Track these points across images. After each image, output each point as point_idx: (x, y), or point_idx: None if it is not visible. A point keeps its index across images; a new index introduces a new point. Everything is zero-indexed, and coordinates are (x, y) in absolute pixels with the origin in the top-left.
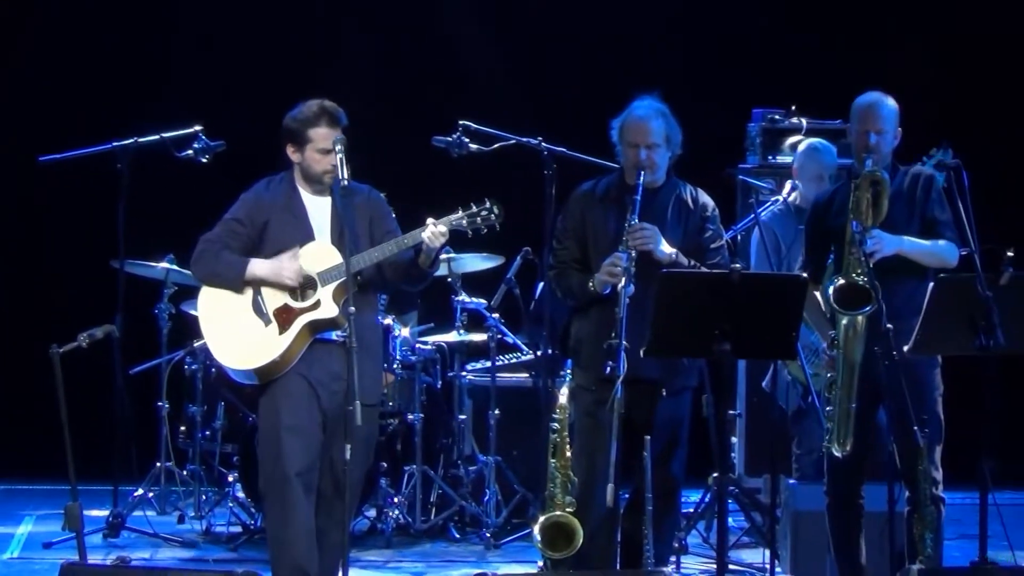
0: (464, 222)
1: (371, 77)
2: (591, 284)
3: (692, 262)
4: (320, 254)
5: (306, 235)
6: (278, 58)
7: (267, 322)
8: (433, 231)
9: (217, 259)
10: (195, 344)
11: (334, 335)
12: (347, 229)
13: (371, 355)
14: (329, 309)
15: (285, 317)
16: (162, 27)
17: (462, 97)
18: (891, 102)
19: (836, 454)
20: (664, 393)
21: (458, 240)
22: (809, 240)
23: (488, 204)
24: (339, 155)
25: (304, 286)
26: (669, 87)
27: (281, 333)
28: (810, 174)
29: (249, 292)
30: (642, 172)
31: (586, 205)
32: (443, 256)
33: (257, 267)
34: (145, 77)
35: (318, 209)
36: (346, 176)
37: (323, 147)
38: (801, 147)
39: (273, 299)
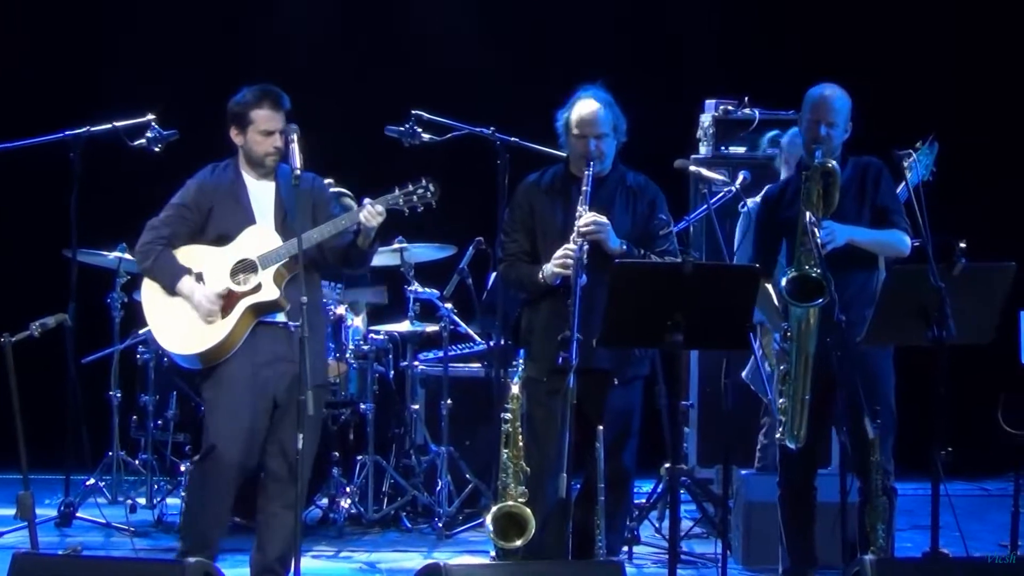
0: (400, 201)
1: (326, 66)
2: (541, 275)
3: (642, 252)
4: (260, 238)
5: (247, 220)
6: (233, 48)
7: None
8: (370, 211)
9: (157, 259)
10: (140, 332)
11: (278, 317)
12: (290, 215)
13: (316, 336)
14: (270, 291)
15: (227, 301)
16: (116, 15)
17: (417, 86)
18: (844, 94)
19: (790, 446)
20: (616, 382)
21: (411, 229)
22: (760, 232)
23: (424, 182)
24: (293, 144)
25: (245, 269)
26: (621, 77)
27: (223, 317)
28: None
29: (192, 276)
30: (591, 163)
31: (533, 197)
32: (396, 245)
33: (184, 285)
34: (97, 66)
35: (261, 194)
36: (299, 165)
37: (265, 129)
38: (787, 137)
39: (215, 283)
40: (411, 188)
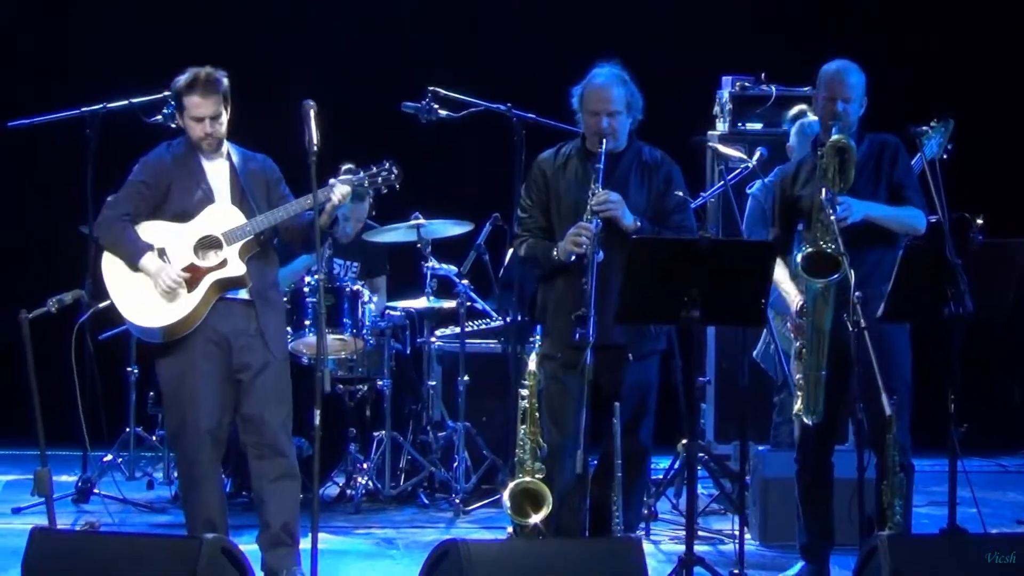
0: (366, 182)
1: (338, 41)
2: (555, 253)
3: (656, 228)
4: (223, 215)
5: (207, 198)
6: (248, 22)
7: None
8: (341, 191)
9: (121, 235)
10: (100, 305)
11: (240, 294)
12: (245, 197)
13: (277, 312)
14: (236, 268)
15: (193, 276)
16: None
17: (433, 62)
18: (858, 70)
19: (807, 422)
20: (631, 358)
21: (428, 206)
22: (775, 210)
23: (387, 164)
24: (309, 120)
25: (208, 245)
26: (640, 54)
27: (189, 292)
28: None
29: (154, 252)
30: (604, 140)
31: (548, 173)
32: (413, 221)
33: (147, 262)
34: (113, 42)
35: (216, 173)
36: (316, 142)
37: (195, 115)
38: (795, 128)
39: (179, 259)
40: (375, 170)
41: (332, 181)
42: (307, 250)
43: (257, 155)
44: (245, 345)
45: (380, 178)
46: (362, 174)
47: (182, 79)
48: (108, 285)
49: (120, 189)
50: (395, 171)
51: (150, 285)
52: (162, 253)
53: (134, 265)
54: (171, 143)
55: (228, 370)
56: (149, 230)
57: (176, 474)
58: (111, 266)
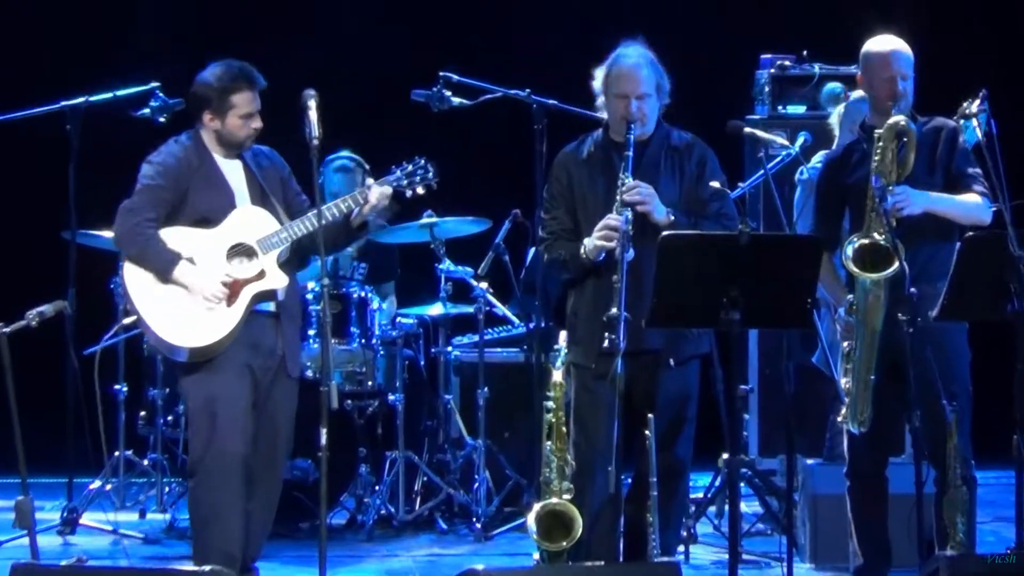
0: (404, 181)
1: (342, 26)
2: (583, 252)
3: (692, 219)
4: (252, 220)
5: (229, 202)
6: (241, 8)
7: None
8: (380, 191)
9: (148, 244)
10: (124, 321)
11: (272, 306)
12: (269, 191)
13: (296, 326)
14: (277, 279)
15: (231, 289)
16: None
17: (445, 48)
18: (907, 46)
19: (853, 431)
20: (672, 363)
21: (441, 203)
22: (821, 200)
23: (421, 162)
24: (310, 111)
25: (240, 253)
26: (671, 33)
27: (228, 306)
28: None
29: (187, 263)
30: (632, 126)
31: (571, 169)
32: (425, 219)
33: (183, 273)
34: (99, 32)
35: (232, 172)
36: (317, 134)
37: (247, 111)
38: (838, 110)
39: (212, 269)
40: (411, 168)
41: (369, 182)
42: (332, 252)
43: (263, 148)
44: (269, 366)
45: (417, 177)
46: (398, 173)
47: (221, 74)
48: (135, 300)
49: (134, 193)
50: (430, 169)
51: (183, 299)
52: (190, 262)
53: (166, 277)
54: (178, 139)
55: (254, 391)
56: (172, 237)
57: (189, 503)
58: (136, 278)
